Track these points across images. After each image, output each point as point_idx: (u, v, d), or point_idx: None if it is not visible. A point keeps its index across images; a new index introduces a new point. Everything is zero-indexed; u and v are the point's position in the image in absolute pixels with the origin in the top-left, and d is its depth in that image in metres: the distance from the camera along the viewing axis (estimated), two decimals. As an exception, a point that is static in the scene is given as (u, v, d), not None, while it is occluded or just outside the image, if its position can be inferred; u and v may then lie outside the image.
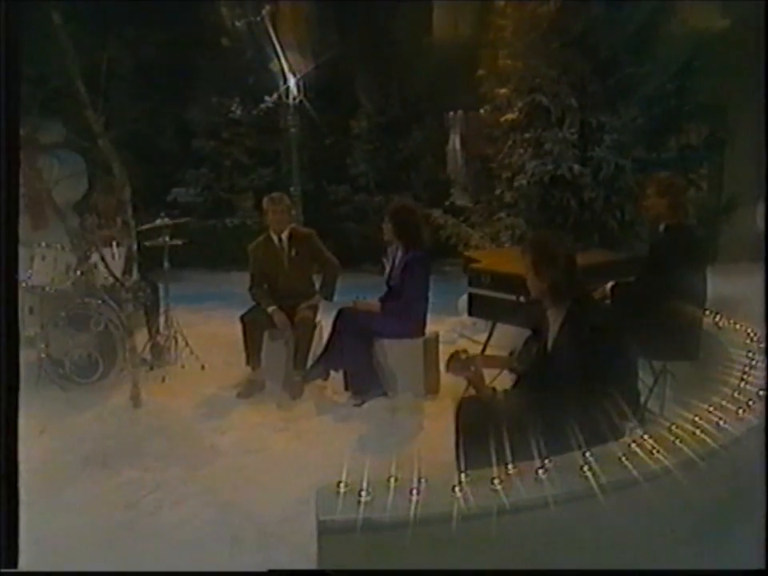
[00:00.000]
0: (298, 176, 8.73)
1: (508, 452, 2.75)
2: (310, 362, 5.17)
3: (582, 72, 6.16)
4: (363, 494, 2.50)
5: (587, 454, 2.75)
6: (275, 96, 8.87)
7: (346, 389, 5.06)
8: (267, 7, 8.93)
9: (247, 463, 4.07)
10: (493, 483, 2.57)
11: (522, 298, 4.30)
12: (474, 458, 2.95)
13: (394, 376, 5.01)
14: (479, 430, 3.05)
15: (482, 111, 7.17)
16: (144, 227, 5.56)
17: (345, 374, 5.06)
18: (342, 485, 2.57)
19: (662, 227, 4.28)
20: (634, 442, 2.84)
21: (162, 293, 5.81)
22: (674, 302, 4.01)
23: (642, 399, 3.65)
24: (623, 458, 2.72)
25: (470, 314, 4.79)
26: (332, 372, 5.17)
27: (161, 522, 3.40)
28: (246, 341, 5.21)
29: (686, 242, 4.19)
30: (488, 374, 3.34)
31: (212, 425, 4.60)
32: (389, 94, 9.74)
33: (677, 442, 2.86)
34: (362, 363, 4.95)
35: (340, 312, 5.12)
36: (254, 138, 10.48)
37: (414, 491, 2.50)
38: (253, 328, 5.19)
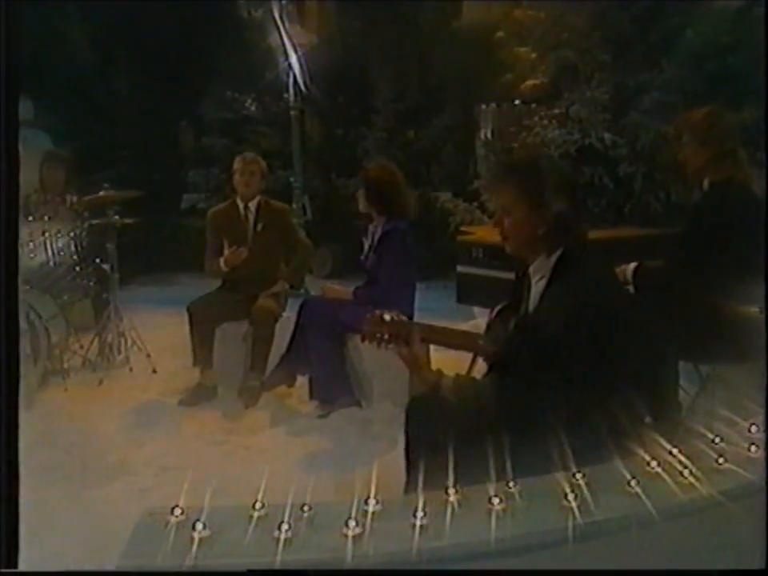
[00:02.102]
0: (299, 165, 7.93)
1: (451, 471, 1.85)
2: (273, 364, 4.30)
3: (617, 23, 5.22)
4: (199, 526, 1.61)
5: (577, 476, 1.82)
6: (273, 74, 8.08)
7: (312, 397, 4.17)
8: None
9: (156, 484, 3.24)
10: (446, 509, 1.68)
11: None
12: (426, 478, 2.08)
13: (370, 382, 4.13)
14: (428, 438, 2.17)
15: (516, 103, 6.29)
16: (86, 198, 4.82)
17: (310, 378, 4.18)
18: (175, 513, 1.68)
19: (705, 184, 3.30)
20: (654, 460, 1.88)
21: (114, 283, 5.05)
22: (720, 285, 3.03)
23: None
24: (631, 484, 1.76)
25: (459, 299, 3.85)
26: (300, 377, 4.29)
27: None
28: (192, 336, 4.39)
29: (737, 203, 3.19)
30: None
31: (131, 436, 3.82)
32: (408, 79, 8.95)
33: (720, 461, 1.89)
34: (329, 365, 4.07)
35: (304, 302, 4.28)
36: (270, 137, 9.87)
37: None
38: (202, 320, 4.36)
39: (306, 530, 1.65)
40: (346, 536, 1.60)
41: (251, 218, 4.61)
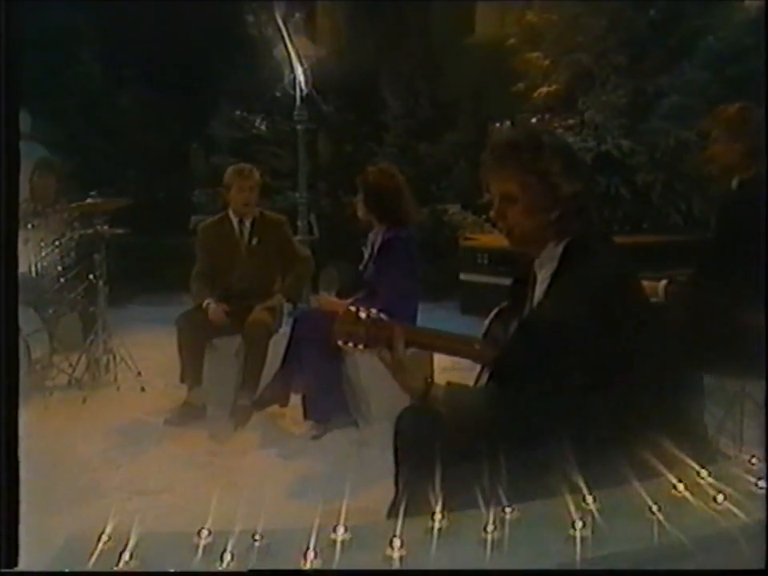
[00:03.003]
0: (305, 181, 7.72)
1: (438, 492, 1.58)
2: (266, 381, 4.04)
3: (634, 25, 4.98)
4: (126, 556, 1.34)
5: (587, 500, 1.53)
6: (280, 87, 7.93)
7: (306, 416, 3.90)
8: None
9: (124, 509, 2.96)
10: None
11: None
12: (414, 500, 1.79)
13: (367, 400, 3.87)
14: (416, 455, 1.90)
15: (533, 120, 6.07)
16: (73, 204, 4.62)
17: (303, 397, 3.91)
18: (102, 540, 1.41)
19: (734, 183, 3.06)
20: (680, 482, 1.60)
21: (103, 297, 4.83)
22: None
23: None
24: (653, 510, 1.48)
25: (463, 310, 3.57)
26: (294, 396, 4.00)
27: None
28: (180, 352, 4.14)
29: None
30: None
31: (109, 457, 3.57)
32: (418, 94, 8.80)
33: (759, 484, 1.60)
34: (323, 381, 3.81)
35: (299, 315, 4.06)
36: (280, 157, 9.73)
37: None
38: (191, 334, 4.11)
39: (257, 562, 1.38)
40: (303, 570, 1.33)
41: (246, 233, 4.39)
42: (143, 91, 9.49)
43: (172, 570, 1.39)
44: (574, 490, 1.59)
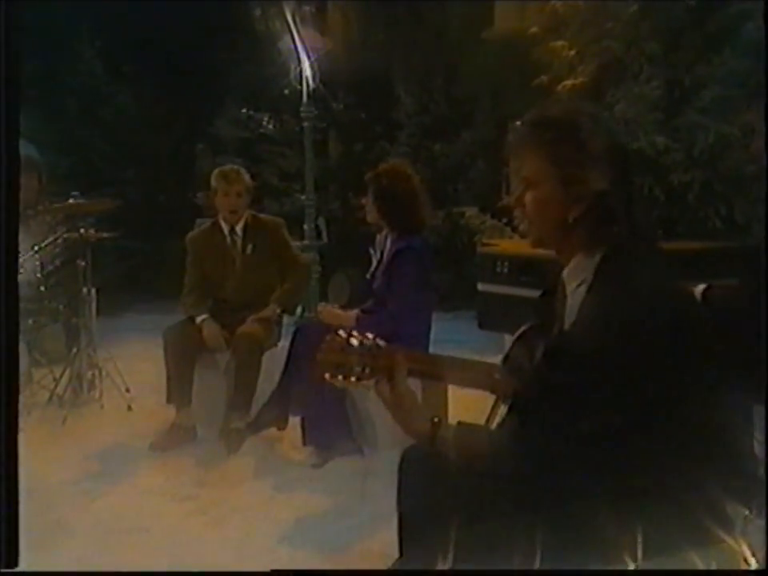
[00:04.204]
0: (312, 181, 7.49)
1: (450, 556, 1.33)
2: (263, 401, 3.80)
3: (669, 11, 4.71)
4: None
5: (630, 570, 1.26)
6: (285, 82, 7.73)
7: (305, 442, 3.64)
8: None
9: (94, 551, 2.73)
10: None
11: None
12: (417, 555, 1.65)
13: (374, 424, 3.61)
14: (422, 507, 1.65)
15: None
16: (54, 206, 4.41)
17: (302, 420, 3.65)
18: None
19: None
20: (753, 556, 1.32)
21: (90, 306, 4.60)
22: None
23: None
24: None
25: (481, 324, 3.31)
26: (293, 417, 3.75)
27: None
28: (168, 368, 3.90)
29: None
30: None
31: (85, 487, 3.32)
32: (433, 90, 8.61)
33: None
34: (325, 403, 3.53)
35: (299, 328, 3.80)
36: (288, 157, 9.58)
37: None
38: (179, 349, 3.88)
39: None
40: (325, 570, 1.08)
41: (238, 241, 4.16)
42: (144, 88, 9.35)
43: None
44: (616, 558, 1.32)
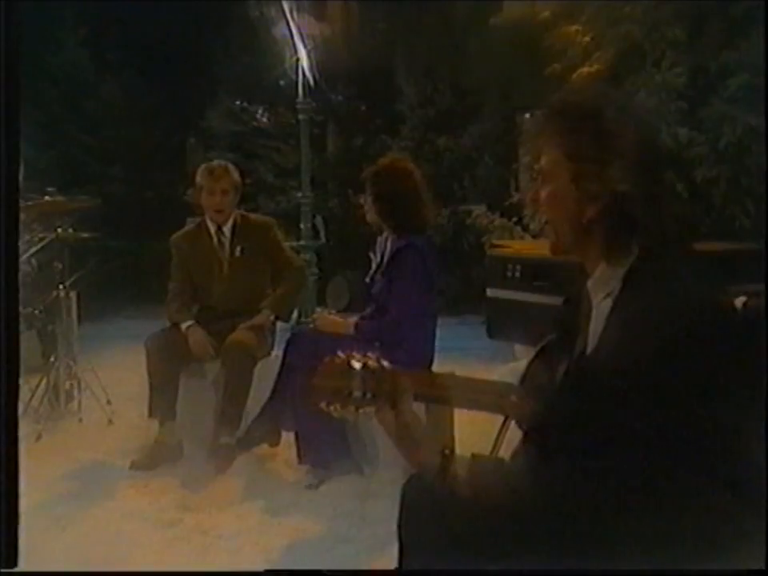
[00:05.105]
0: (308, 178, 7.43)
1: None
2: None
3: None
4: None
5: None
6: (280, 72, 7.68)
7: (300, 459, 3.54)
8: None
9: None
10: None
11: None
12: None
13: (374, 442, 3.50)
14: (428, 546, 1.54)
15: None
16: (28, 203, 4.29)
17: (296, 435, 3.54)
18: None
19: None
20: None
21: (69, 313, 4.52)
22: None
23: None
24: None
25: (490, 333, 3.18)
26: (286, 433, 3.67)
27: None
28: (150, 379, 3.79)
29: None
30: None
31: (55, 513, 3.19)
32: (438, 80, 8.66)
33: None
34: (321, 417, 3.37)
35: (292, 336, 3.69)
36: (285, 153, 9.57)
37: None
38: (163, 359, 3.77)
39: None
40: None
41: (226, 243, 4.03)
42: (131, 78, 9.34)
43: None
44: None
